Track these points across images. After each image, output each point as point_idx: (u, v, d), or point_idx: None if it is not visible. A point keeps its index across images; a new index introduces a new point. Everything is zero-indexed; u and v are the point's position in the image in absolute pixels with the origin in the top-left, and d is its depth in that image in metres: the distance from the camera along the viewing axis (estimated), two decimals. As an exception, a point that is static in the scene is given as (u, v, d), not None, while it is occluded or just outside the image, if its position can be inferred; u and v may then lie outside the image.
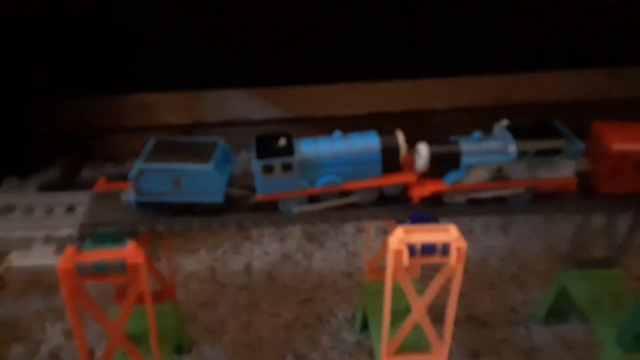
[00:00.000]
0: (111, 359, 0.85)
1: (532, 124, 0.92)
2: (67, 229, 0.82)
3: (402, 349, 0.91)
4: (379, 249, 1.09)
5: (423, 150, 0.88)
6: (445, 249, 0.78)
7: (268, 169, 0.85)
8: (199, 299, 1.28)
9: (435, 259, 0.80)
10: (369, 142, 0.88)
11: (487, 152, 0.89)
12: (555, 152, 0.88)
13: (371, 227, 1.08)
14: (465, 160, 0.88)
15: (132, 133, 1.90)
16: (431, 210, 0.91)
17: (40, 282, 1.32)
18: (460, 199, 0.92)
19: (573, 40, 1.88)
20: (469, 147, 0.89)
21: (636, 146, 0.91)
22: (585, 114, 1.09)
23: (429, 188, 0.90)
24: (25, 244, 0.80)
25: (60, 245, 0.80)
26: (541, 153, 0.88)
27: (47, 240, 0.80)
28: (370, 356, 1.12)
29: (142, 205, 0.87)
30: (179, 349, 1.11)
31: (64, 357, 1.13)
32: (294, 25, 1.82)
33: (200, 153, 0.87)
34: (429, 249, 0.78)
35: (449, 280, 0.83)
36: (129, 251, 0.76)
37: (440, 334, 0.88)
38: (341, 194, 0.90)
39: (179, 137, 0.93)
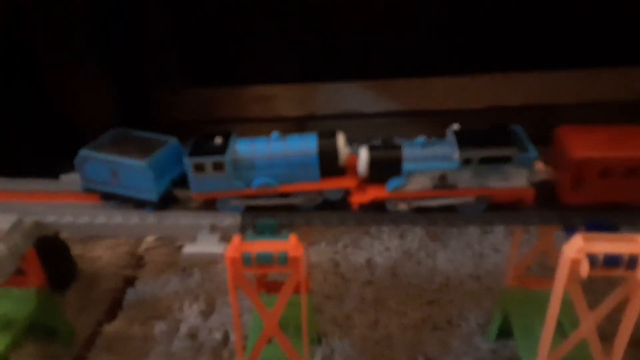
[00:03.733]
0: (262, 347, 0.87)
1: (484, 130, 0.84)
2: (230, 219, 0.84)
3: (559, 364, 0.84)
4: (527, 254, 1.02)
5: (363, 154, 0.84)
6: (632, 262, 0.71)
7: (199, 168, 0.84)
8: (324, 291, 1.28)
9: (618, 272, 0.72)
10: (305, 145, 0.84)
11: (430, 158, 0.83)
12: (504, 160, 0.80)
13: (521, 230, 1.01)
14: (406, 166, 0.83)
15: (248, 124, 1.96)
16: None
17: (175, 263, 1.40)
18: (403, 206, 0.85)
19: None
20: (412, 152, 0.83)
21: (600, 153, 0.79)
22: None
23: (370, 194, 0.85)
24: (192, 232, 0.83)
25: (224, 234, 0.83)
26: (487, 160, 0.81)
27: (213, 229, 0.83)
28: (508, 367, 1.06)
29: (88, 192, 0.91)
30: (310, 340, 1.12)
31: (201, 336, 1.18)
32: (408, 16, 1.77)
33: (145, 149, 0.87)
34: (613, 261, 0.71)
35: (627, 296, 0.75)
36: (291, 244, 0.76)
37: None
38: (282, 196, 0.87)
39: (136, 131, 0.93)
